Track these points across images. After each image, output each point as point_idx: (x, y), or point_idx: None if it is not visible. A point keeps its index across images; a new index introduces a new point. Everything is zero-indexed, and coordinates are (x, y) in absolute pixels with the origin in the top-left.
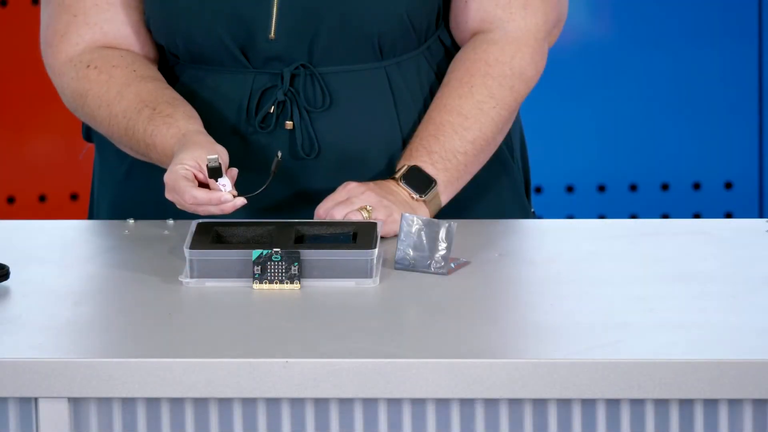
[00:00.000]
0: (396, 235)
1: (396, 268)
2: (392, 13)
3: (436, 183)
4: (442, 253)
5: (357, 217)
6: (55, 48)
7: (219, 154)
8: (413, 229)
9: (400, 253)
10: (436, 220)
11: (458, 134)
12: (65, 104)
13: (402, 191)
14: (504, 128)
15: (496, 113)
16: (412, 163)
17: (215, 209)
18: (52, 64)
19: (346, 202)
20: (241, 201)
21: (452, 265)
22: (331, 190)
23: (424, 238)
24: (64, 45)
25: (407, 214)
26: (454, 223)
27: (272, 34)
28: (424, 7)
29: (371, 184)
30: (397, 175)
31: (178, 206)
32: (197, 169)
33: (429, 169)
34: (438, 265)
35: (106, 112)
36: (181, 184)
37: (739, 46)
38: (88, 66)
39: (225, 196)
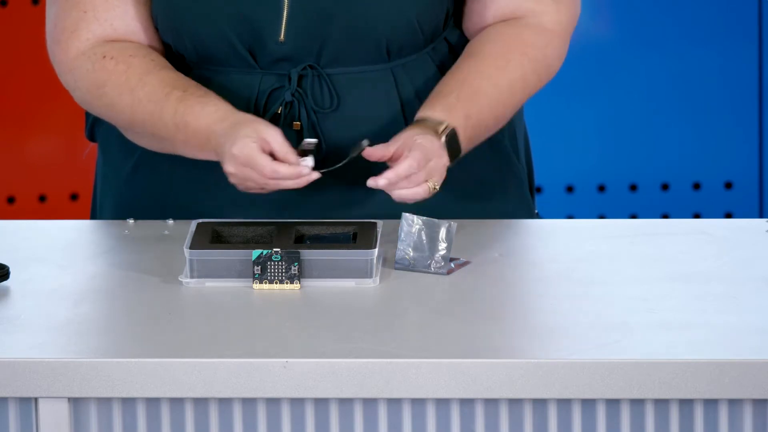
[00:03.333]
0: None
1: (396, 268)
2: (402, 17)
3: (460, 153)
4: (442, 253)
5: (425, 191)
6: (65, 44)
7: (275, 134)
8: (413, 229)
9: (400, 253)
10: (436, 220)
11: (490, 106)
12: (77, 99)
13: (445, 156)
14: (513, 114)
15: (521, 97)
16: (453, 125)
17: (291, 183)
18: (62, 60)
19: (429, 171)
20: (316, 175)
21: (452, 265)
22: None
23: (424, 238)
24: (74, 41)
25: (407, 214)
26: (454, 223)
27: (282, 37)
28: (433, 10)
29: (438, 145)
30: (443, 138)
31: (236, 180)
32: (264, 142)
33: (461, 135)
34: (438, 265)
35: (128, 99)
36: (260, 159)
37: (739, 46)
38: (104, 57)
39: (305, 170)
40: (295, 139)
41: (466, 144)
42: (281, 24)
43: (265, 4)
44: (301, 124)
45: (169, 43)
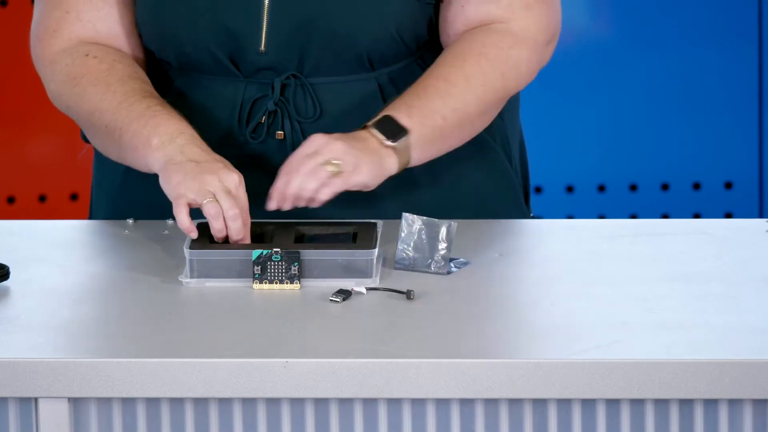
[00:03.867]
0: (364, 189)
1: (396, 268)
2: (382, 29)
3: (408, 132)
4: (442, 253)
5: (323, 173)
6: (46, 42)
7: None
8: (414, 229)
9: (400, 253)
10: (436, 220)
11: (441, 98)
12: (49, 93)
13: (372, 139)
14: (487, 114)
15: (482, 92)
16: (387, 113)
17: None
18: (42, 55)
19: (314, 155)
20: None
21: (452, 264)
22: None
23: (424, 238)
24: (56, 39)
25: (407, 214)
26: (455, 223)
27: (262, 48)
28: (415, 21)
29: (339, 134)
30: (369, 123)
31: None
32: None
33: (404, 120)
34: (438, 265)
35: (102, 89)
36: (179, 209)
37: (739, 46)
38: (87, 55)
39: (193, 234)
40: (278, 149)
41: (421, 130)
42: (261, 35)
43: (245, 15)
44: (284, 134)
45: (153, 50)
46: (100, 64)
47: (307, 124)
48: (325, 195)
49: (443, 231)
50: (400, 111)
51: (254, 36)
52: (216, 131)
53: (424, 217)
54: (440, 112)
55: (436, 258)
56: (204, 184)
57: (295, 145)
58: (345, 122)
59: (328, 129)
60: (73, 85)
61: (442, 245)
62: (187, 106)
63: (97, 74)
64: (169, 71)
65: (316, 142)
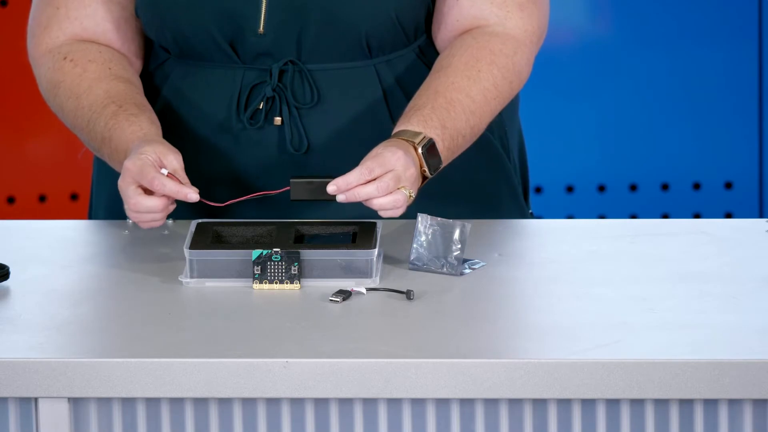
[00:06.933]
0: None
1: (410, 269)
2: (381, 12)
3: (441, 163)
4: (456, 254)
5: (402, 199)
6: (37, 39)
7: (175, 158)
8: (428, 230)
9: (414, 254)
10: (450, 221)
11: (465, 116)
12: (42, 94)
13: (418, 166)
14: (489, 122)
15: (495, 105)
16: (431, 135)
17: (171, 205)
18: (34, 55)
19: (398, 179)
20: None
21: (466, 266)
22: None
23: (438, 239)
24: (45, 37)
25: (422, 215)
26: (468, 224)
27: (261, 29)
28: (413, 7)
29: (405, 156)
30: (420, 149)
31: (123, 191)
32: (159, 162)
33: (439, 146)
34: (451, 266)
35: (74, 104)
36: (150, 171)
37: (739, 46)
38: (65, 58)
39: (192, 195)
40: (276, 136)
41: (445, 154)
42: (260, 16)
43: None
44: (282, 120)
45: (152, 38)
46: (75, 68)
47: (304, 110)
48: (392, 214)
49: (457, 232)
50: (437, 133)
51: (253, 17)
52: (214, 118)
53: (439, 218)
54: (462, 132)
55: (449, 259)
56: (129, 213)
57: (293, 131)
58: (343, 109)
59: (326, 115)
60: (54, 95)
61: (456, 246)
62: (186, 93)
63: (71, 83)
64: (166, 64)
65: (401, 162)
